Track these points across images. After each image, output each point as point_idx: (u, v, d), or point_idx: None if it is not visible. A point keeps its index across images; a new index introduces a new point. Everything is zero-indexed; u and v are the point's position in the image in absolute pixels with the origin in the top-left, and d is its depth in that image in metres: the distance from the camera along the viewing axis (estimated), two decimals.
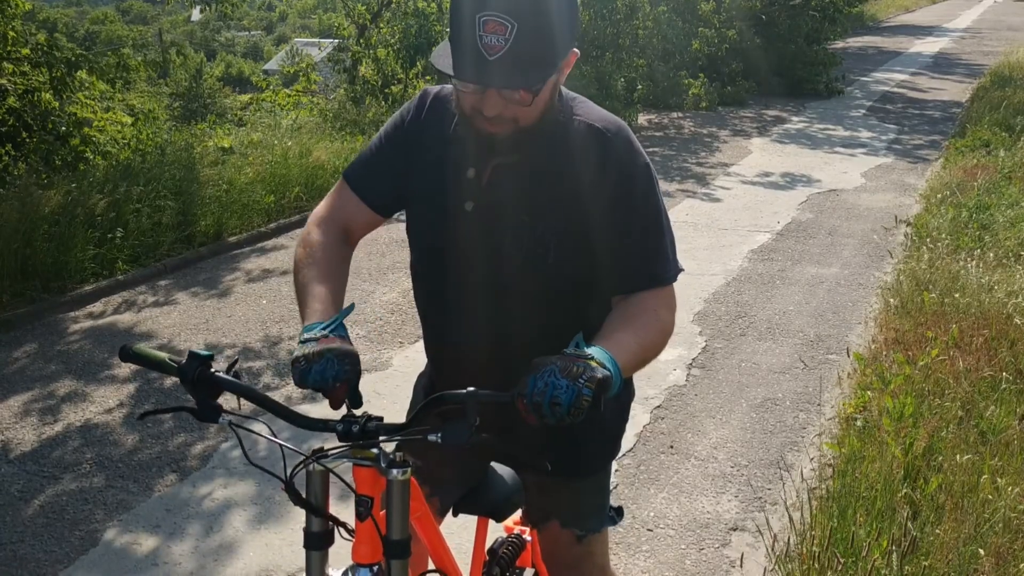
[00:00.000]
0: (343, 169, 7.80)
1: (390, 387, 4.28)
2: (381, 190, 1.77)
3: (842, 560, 2.70)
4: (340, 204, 1.79)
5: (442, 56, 1.53)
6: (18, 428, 3.93)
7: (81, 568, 3.02)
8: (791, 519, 3.11)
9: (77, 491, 3.46)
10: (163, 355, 1.53)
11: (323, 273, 1.68)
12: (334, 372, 1.47)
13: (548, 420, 1.36)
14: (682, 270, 1.73)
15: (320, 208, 1.81)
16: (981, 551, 2.74)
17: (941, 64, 18.41)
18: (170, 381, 4.36)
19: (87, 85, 7.31)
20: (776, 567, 2.91)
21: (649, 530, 3.24)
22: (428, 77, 10.38)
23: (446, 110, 1.71)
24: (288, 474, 1.43)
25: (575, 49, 1.58)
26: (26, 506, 3.36)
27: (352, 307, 1.62)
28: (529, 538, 2.23)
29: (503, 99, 1.51)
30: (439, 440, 1.37)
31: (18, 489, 3.47)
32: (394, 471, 1.43)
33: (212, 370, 1.49)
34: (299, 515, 3.21)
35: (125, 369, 4.51)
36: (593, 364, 1.39)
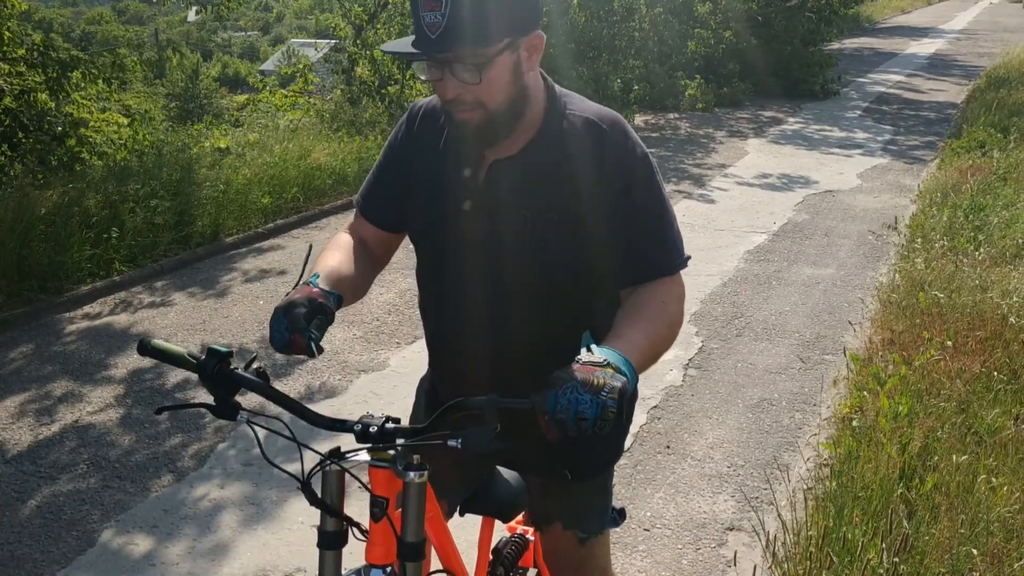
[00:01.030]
0: (341, 170, 7.71)
1: (387, 387, 4.27)
2: (387, 211, 1.83)
3: (838, 560, 2.71)
4: (356, 226, 1.88)
5: (397, 43, 1.61)
6: (15, 429, 3.93)
7: (78, 569, 3.02)
8: (785, 519, 3.12)
9: (74, 492, 3.46)
10: (182, 350, 1.53)
11: (333, 253, 1.74)
12: (284, 325, 1.48)
13: (572, 434, 1.35)
14: (689, 257, 1.73)
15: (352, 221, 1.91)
16: (975, 551, 2.75)
17: (937, 65, 18.45)
18: (168, 381, 4.36)
19: (83, 85, 7.30)
20: (772, 567, 2.92)
21: (646, 530, 3.24)
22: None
23: (437, 121, 1.75)
24: (305, 474, 1.43)
25: (539, 32, 1.59)
26: (23, 506, 3.36)
27: (316, 276, 1.62)
28: (532, 538, 2.23)
29: (456, 80, 1.55)
30: (459, 446, 1.36)
31: (15, 490, 3.47)
32: (411, 474, 1.43)
33: (231, 367, 1.49)
34: (295, 515, 3.22)
35: (122, 369, 4.51)
36: (611, 371, 1.37)
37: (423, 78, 1.61)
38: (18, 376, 4.45)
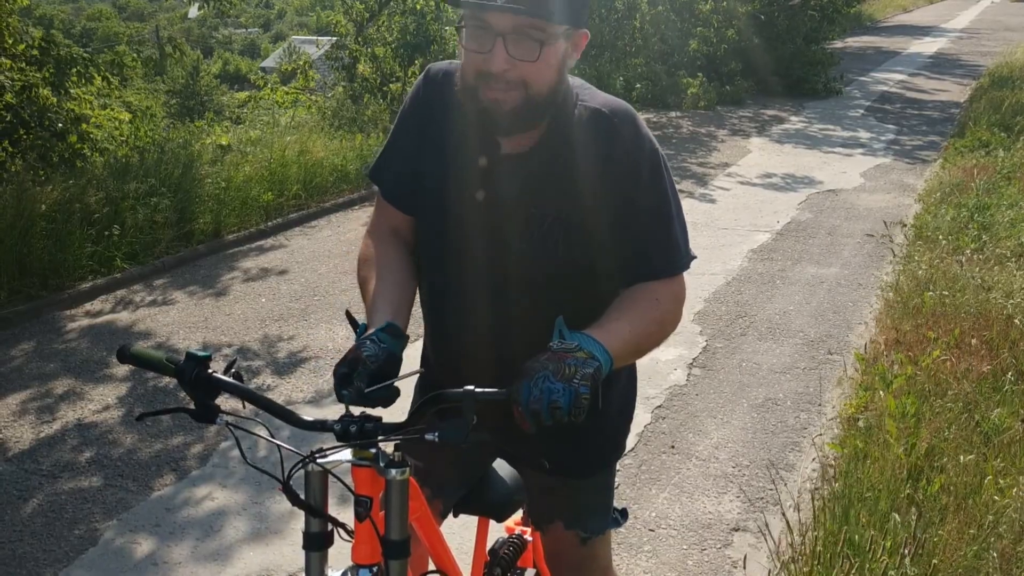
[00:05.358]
0: (343, 167, 7.61)
1: None
2: (407, 194, 1.75)
3: (844, 561, 2.69)
4: (381, 212, 1.81)
5: None
6: (16, 427, 3.91)
7: (80, 567, 3.00)
8: (789, 520, 3.10)
9: (76, 490, 3.44)
10: (161, 356, 1.52)
11: (370, 278, 1.70)
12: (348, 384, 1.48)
13: (547, 423, 1.34)
14: (694, 257, 1.70)
15: (371, 217, 1.85)
16: (995, 554, 2.73)
17: (939, 64, 18.42)
18: (169, 380, 4.33)
19: (84, 82, 7.27)
20: (778, 568, 2.90)
21: (651, 530, 3.23)
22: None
23: (452, 88, 1.65)
24: (286, 474, 1.42)
25: (586, 31, 1.56)
26: (25, 505, 3.34)
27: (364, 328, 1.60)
28: (530, 538, 2.21)
29: (508, 53, 1.47)
30: (436, 439, 1.35)
31: (16, 488, 3.45)
32: (392, 471, 1.42)
33: (210, 371, 1.48)
34: (299, 515, 3.19)
35: (123, 368, 4.49)
36: (582, 357, 1.38)
37: (465, 44, 1.52)
38: (19, 374, 4.43)
